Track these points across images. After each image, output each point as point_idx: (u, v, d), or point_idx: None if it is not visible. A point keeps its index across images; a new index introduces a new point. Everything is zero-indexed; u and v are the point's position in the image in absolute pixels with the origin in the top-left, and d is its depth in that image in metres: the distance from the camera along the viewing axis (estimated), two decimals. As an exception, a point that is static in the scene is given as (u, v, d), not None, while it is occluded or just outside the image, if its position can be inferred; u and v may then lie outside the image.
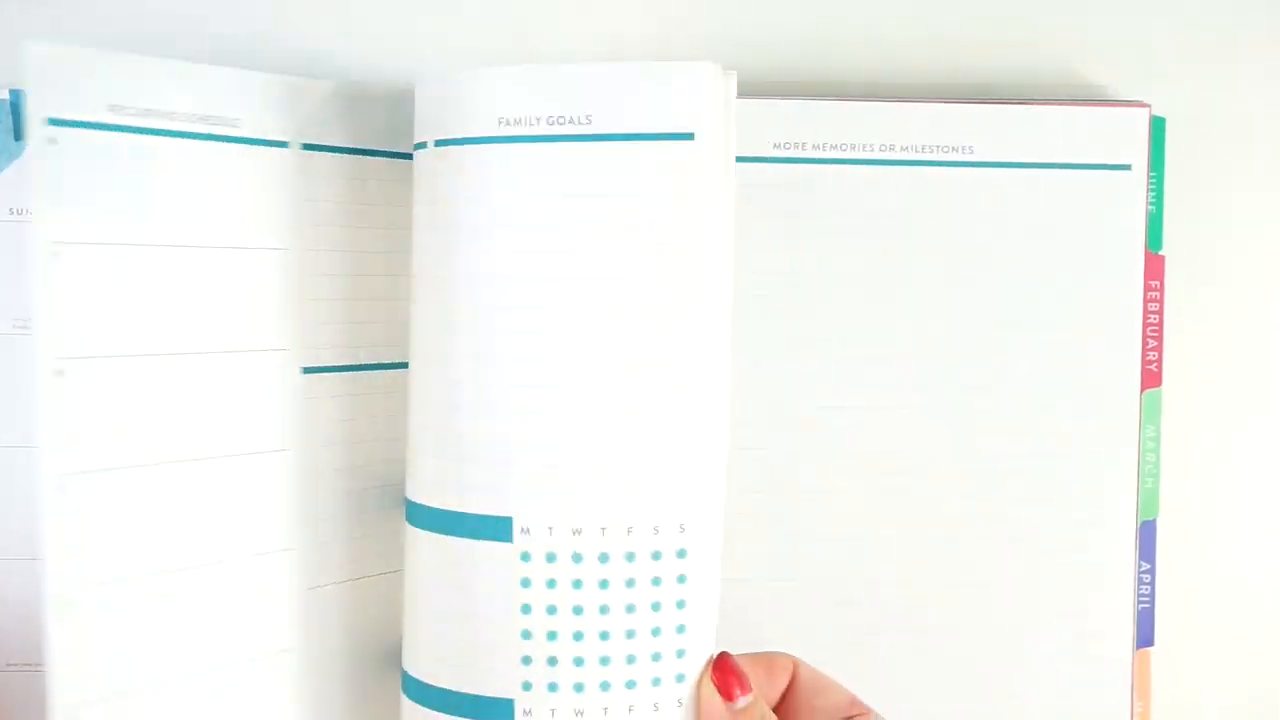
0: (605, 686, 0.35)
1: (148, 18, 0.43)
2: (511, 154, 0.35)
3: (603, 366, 0.35)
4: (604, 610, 0.35)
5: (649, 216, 0.35)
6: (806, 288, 0.43)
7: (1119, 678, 0.44)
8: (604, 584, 0.35)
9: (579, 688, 0.35)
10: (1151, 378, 0.44)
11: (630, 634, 0.35)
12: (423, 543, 0.36)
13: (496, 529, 0.35)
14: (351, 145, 0.39)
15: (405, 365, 0.38)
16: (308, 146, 0.39)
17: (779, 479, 0.43)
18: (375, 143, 0.40)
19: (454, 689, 0.36)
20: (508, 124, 0.35)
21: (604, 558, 0.35)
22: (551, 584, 0.35)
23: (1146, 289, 0.44)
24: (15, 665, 0.42)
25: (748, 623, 0.43)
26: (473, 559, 0.35)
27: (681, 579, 0.35)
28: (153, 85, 0.35)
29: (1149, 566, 0.45)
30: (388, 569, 0.40)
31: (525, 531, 0.35)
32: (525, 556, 0.35)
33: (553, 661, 0.35)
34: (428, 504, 0.36)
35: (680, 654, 0.35)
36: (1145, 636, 0.44)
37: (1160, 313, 0.44)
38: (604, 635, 0.35)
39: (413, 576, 0.37)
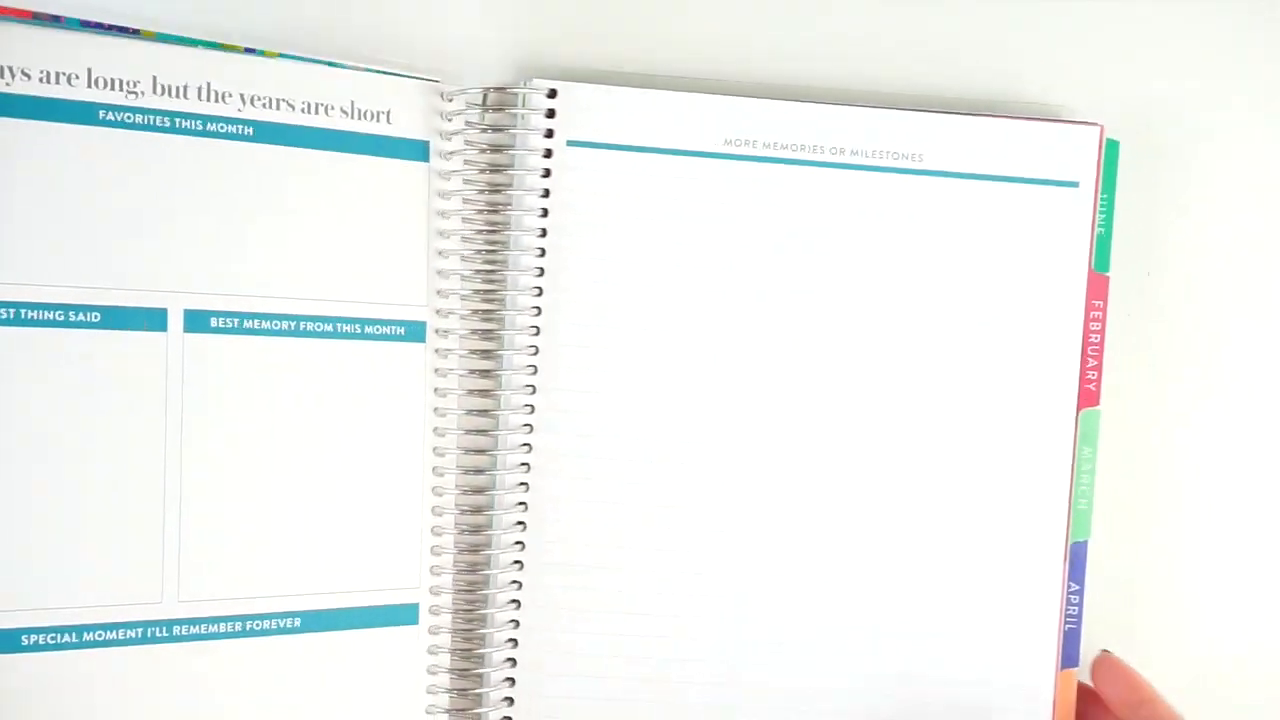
0: None
1: None
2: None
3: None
4: None
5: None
6: (742, 286, 0.43)
7: (1041, 697, 0.44)
8: None
9: None
10: (1089, 397, 0.44)
11: None
12: None
13: None
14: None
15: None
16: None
17: (705, 489, 0.43)
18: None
19: None
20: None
21: None
22: None
23: (1089, 308, 0.44)
24: None
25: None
26: None
27: None
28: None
29: (1078, 587, 0.44)
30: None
31: None
32: None
33: None
34: None
35: None
36: (1070, 657, 0.44)
37: (1102, 332, 0.44)
38: None
39: None
